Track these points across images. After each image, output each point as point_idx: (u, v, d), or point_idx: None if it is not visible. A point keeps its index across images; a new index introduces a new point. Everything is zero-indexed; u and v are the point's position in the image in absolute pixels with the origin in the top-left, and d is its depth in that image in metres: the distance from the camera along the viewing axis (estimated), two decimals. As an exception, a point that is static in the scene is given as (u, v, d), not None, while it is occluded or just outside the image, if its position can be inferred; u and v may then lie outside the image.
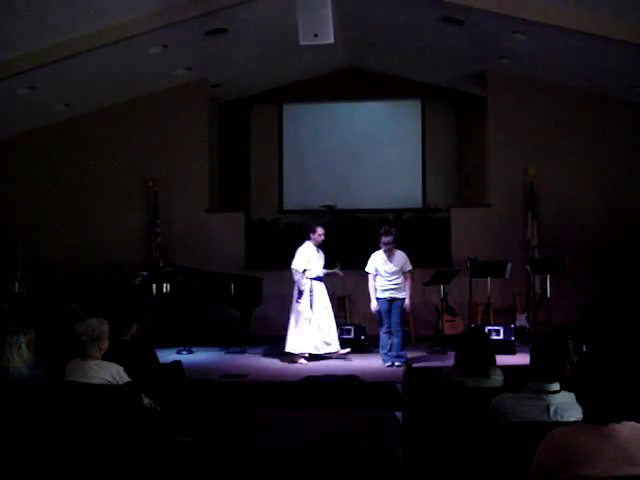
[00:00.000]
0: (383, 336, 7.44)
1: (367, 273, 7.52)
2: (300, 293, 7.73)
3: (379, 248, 7.42)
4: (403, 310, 7.42)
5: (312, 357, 7.75)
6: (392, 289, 7.35)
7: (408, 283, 7.39)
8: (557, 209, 9.77)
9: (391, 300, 7.36)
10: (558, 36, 7.85)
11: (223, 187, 11.47)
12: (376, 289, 7.42)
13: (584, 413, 2.35)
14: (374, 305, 7.42)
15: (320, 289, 7.80)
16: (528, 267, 9.03)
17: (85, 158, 10.30)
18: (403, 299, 7.37)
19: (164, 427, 4.17)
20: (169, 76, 9.83)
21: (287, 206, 11.64)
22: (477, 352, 3.87)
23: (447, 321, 8.76)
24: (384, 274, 7.36)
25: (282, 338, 9.12)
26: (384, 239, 7.32)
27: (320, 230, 7.83)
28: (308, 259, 7.72)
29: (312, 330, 7.69)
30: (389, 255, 7.35)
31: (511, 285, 9.30)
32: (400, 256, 7.41)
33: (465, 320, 8.83)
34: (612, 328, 7.53)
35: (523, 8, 7.48)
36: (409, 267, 7.42)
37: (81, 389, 3.82)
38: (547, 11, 7.43)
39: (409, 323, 8.78)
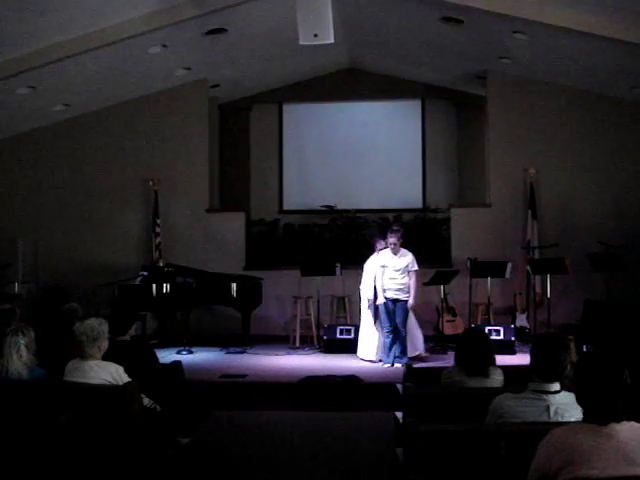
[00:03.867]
0: (384, 336, 7.44)
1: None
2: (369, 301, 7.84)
3: (386, 247, 7.46)
4: (406, 312, 7.43)
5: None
6: (396, 289, 7.36)
7: (413, 282, 7.40)
8: (557, 209, 9.77)
9: (395, 300, 7.37)
10: (558, 36, 7.84)
11: (223, 187, 11.48)
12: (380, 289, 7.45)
13: (584, 413, 2.35)
14: (381, 299, 7.43)
15: None
16: (528, 267, 9.03)
17: (85, 158, 10.30)
18: (406, 301, 7.37)
19: (164, 427, 4.16)
20: (169, 76, 9.83)
21: (287, 206, 11.64)
22: (477, 352, 3.86)
23: (447, 321, 8.76)
24: (389, 272, 7.36)
25: (282, 338, 9.18)
26: (390, 238, 7.36)
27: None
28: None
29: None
30: (395, 253, 7.38)
31: (511, 285, 9.30)
32: (406, 255, 7.44)
33: (465, 320, 8.83)
34: (612, 328, 7.53)
35: (523, 8, 7.47)
36: (415, 267, 7.44)
37: (81, 389, 3.81)
38: (547, 11, 7.41)
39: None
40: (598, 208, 9.65)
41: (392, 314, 7.36)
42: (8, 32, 7.28)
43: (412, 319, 7.78)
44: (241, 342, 8.64)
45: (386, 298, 7.39)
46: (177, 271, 8.85)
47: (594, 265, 8.52)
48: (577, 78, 9.38)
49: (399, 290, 7.36)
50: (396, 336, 7.38)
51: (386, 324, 7.40)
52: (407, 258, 7.42)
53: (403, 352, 7.40)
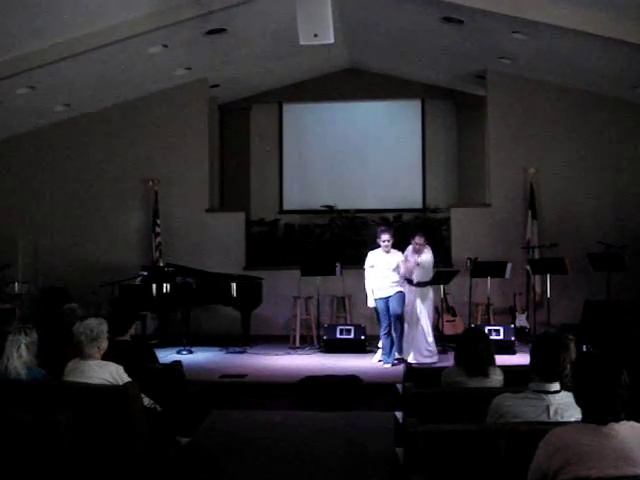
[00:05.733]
0: (383, 337, 7.47)
1: (364, 269, 7.58)
2: None
3: (378, 246, 7.49)
4: (402, 300, 7.42)
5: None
6: (389, 286, 7.42)
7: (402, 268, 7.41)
8: (557, 209, 9.77)
9: (387, 298, 7.40)
10: (558, 36, 7.85)
11: (223, 187, 11.48)
12: (372, 290, 7.49)
13: (583, 413, 2.35)
14: (371, 302, 7.48)
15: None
16: (528, 267, 9.03)
17: (85, 158, 10.31)
18: (399, 292, 7.40)
19: (164, 427, 4.16)
20: (169, 76, 9.83)
21: (287, 206, 11.64)
22: (477, 352, 3.86)
23: (447, 321, 8.76)
24: (382, 271, 7.40)
25: (282, 338, 9.18)
26: (383, 237, 7.39)
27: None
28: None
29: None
30: (387, 252, 7.43)
31: (511, 285, 9.30)
32: (397, 255, 7.49)
33: (465, 320, 8.83)
34: (612, 328, 7.53)
35: (523, 8, 7.47)
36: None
37: (81, 389, 3.81)
38: (547, 11, 7.42)
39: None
40: (598, 208, 9.65)
41: (387, 313, 7.40)
42: (8, 32, 7.28)
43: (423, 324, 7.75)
44: (241, 342, 8.65)
45: (379, 298, 7.42)
46: (177, 271, 8.85)
47: (594, 265, 8.52)
48: (577, 78, 9.38)
49: (391, 288, 7.43)
50: (393, 330, 7.41)
51: (383, 324, 7.43)
52: (398, 256, 7.48)
53: (399, 351, 7.44)
